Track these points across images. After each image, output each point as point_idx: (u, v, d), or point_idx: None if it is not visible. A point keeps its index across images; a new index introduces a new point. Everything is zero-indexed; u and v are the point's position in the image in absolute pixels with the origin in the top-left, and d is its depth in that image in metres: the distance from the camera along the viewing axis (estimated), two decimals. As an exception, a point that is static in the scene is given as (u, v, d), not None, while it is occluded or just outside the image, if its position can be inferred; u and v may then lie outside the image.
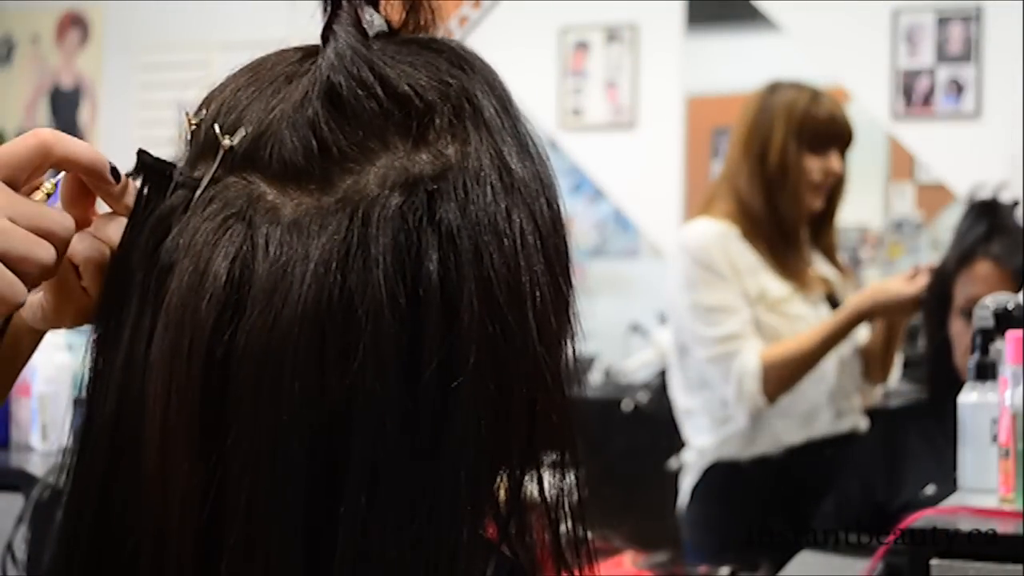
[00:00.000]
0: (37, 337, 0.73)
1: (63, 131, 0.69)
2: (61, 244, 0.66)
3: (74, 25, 5.24)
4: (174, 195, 0.66)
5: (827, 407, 2.52)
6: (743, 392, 2.39)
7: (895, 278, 2.53)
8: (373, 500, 0.61)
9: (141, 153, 0.68)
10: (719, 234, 2.46)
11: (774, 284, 2.48)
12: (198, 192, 0.65)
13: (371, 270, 0.62)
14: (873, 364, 2.58)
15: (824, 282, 2.56)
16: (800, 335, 2.42)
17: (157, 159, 0.67)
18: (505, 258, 0.64)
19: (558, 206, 0.70)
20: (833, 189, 2.55)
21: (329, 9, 0.67)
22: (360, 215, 0.63)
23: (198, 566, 0.62)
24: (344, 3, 0.67)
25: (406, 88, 0.66)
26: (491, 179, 0.65)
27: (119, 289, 0.66)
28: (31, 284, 0.65)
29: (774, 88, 2.54)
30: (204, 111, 0.68)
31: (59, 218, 0.66)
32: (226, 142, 0.65)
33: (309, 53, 0.69)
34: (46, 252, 0.65)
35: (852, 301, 2.47)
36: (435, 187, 0.64)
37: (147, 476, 0.63)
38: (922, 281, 2.38)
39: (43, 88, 5.27)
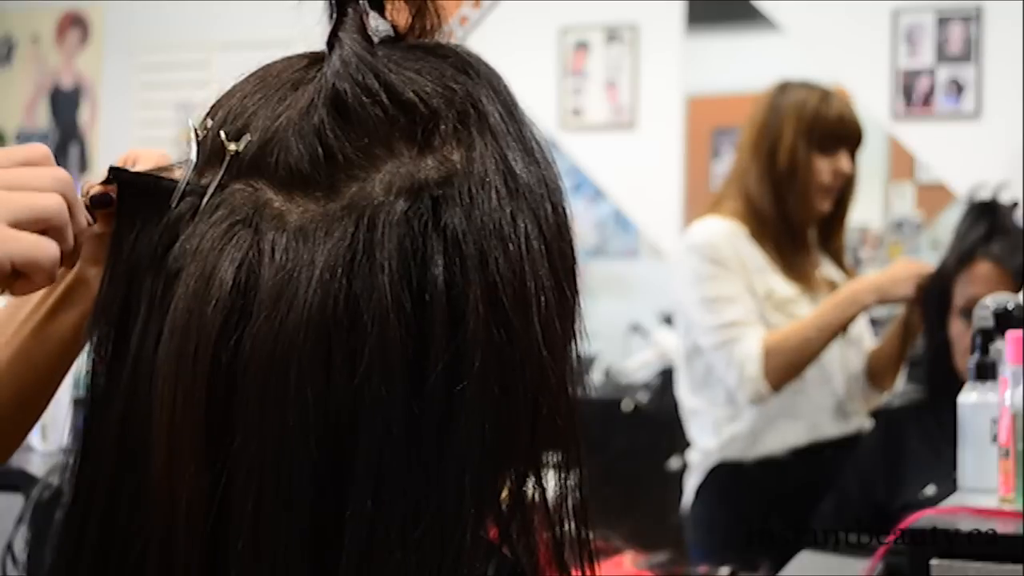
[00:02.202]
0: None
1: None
2: (59, 236, 0.68)
3: (74, 25, 5.24)
4: (182, 202, 0.66)
5: (833, 408, 2.52)
6: (744, 377, 2.38)
7: (896, 265, 2.53)
8: (379, 503, 0.61)
9: (113, 169, 0.68)
10: (727, 231, 2.47)
11: (781, 285, 2.47)
12: (205, 199, 0.65)
13: (376, 276, 0.62)
14: (881, 372, 2.57)
15: (830, 285, 2.55)
16: (801, 321, 2.42)
17: (134, 174, 0.68)
18: (510, 263, 0.64)
19: (563, 210, 0.70)
20: (843, 191, 2.55)
21: (334, 15, 0.68)
22: (366, 221, 0.63)
23: (205, 570, 0.62)
24: (349, 9, 0.67)
25: (411, 95, 0.66)
26: (496, 184, 0.66)
27: (125, 294, 0.66)
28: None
29: (784, 88, 2.54)
30: (210, 119, 0.69)
31: (57, 210, 0.68)
32: (232, 148, 0.66)
33: (315, 60, 0.69)
34: (51, 251, 0.67)
35: (851, 285, 2.46)
36: (440, 193, 0.64)
37: (154, 481, 0.63)
38: (920, 266, 2.39)
39: (43, 88, 5.27)
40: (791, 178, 2.47)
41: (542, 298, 0.65)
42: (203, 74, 4.75)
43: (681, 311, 2.59)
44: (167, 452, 0.62)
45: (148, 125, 4.92)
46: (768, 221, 2.48)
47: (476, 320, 0.63)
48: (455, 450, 0.63)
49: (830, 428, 2.52)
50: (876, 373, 2.57)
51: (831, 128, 2.49)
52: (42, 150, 0.70)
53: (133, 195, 0.68)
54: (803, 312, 2.47)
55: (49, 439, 2.40)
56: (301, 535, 0.62)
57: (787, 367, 2.39)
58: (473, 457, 0.63)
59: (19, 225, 0.66)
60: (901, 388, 2.83)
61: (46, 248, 0.67)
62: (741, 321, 2.41)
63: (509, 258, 0.64)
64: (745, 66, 4.50)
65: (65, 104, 5.23)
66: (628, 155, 4.61)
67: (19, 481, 2.20)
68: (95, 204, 0.69)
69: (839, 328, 2.41)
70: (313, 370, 0.61)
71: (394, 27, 0.71)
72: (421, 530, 0.62)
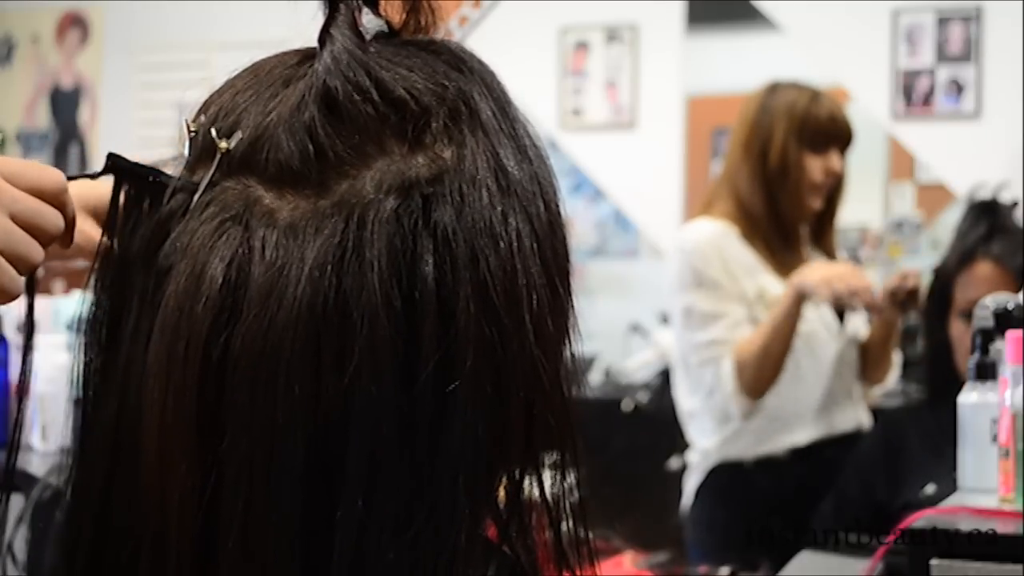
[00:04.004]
0: None
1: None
2: (49, 242, 0.70)
3: (74, 25, 5.24)
4: (173, 199, 0.66)
5: (831, 406, 2.52)
6: (727, 395, 2.42)
7: (835, 268, 2.49)
8: (370, 503, 0.61)
9: (112, 156, 0.68)
10: (717, 235, 2.47)
11: (773, 284, 2.48)
12: (196, 195, 0.65)
13: (366, 273, 0.61)
14: (869, 364, 2.58)
15: (825, 283, 2.56)
16: (758, 327, 2.42)
17: (133, 164, 0.68)
18: (501, 261, 0.64)
19: (556, 207, 0.69)
20: (833, 190, 2.56)
21: (327, 11, 0.67)
22: (355, 218, 0.62)
23: (197, 568, 0.62)
24: (342, 5, 0.67)
25: (402, 92, 0.66)
26: (487, 182, 0.65)
27: (118, 292, 0.66)
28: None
29: (774, 88, 2.55)
30: (203, 115, 0.68)
31: (53, 218, 0.70)
32: (223, 145, 0.65)
33: (307, 56, 0.69)
34: (37, 253, 0.69)
35: (792, 279, 2.44)
36: (431, 190, 0.64)
37: (145, 480, 0.63)
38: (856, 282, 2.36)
39: (43, 88, 5.27)
40: (783, 177, 2.48)
41: (534, 296, 0.65)
42: (203, 74, 4.75)
43: (673, 314, 2.60)
44: (158, 451, 0.62)
45: (148, 125, 4.92)
46: (759, 221, 2.49)
47: (467, 319, 0.62)
48: (447, 450, 0.62)
49: (829, 426, 2.52)
50: (865, 366, 2.58)
51: (822, 127, 2.50)
52: (58, 183, 0.70)
53: (130, 186, 0.67)
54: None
55: (49, 439, 2.40)
56: (291, 535, 0.61)
57: (758, 376, 2.40)
58: (466, 457, 0.62)
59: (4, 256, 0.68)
60: (901, 388, 2.83)
61: (13, 282, 0.68)
62: (723, 340, 2.43)
63: (500, 256, 0.64)
64: (745, 66, 4.49)
65: (65, 104, 5.23)
66: (628, 155, 4.61)
67: (19, 481, 2.20)
68: None
69: (790, 325, 2.39)
70: (302, 368, 0.61)
71: (388, 23, 0.70)
72: (414, 531, 0.61)
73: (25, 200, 0.68)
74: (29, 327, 0.71)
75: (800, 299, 2.39)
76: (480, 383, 0.63)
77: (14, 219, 0.67)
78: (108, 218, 0.67)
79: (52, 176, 0.70)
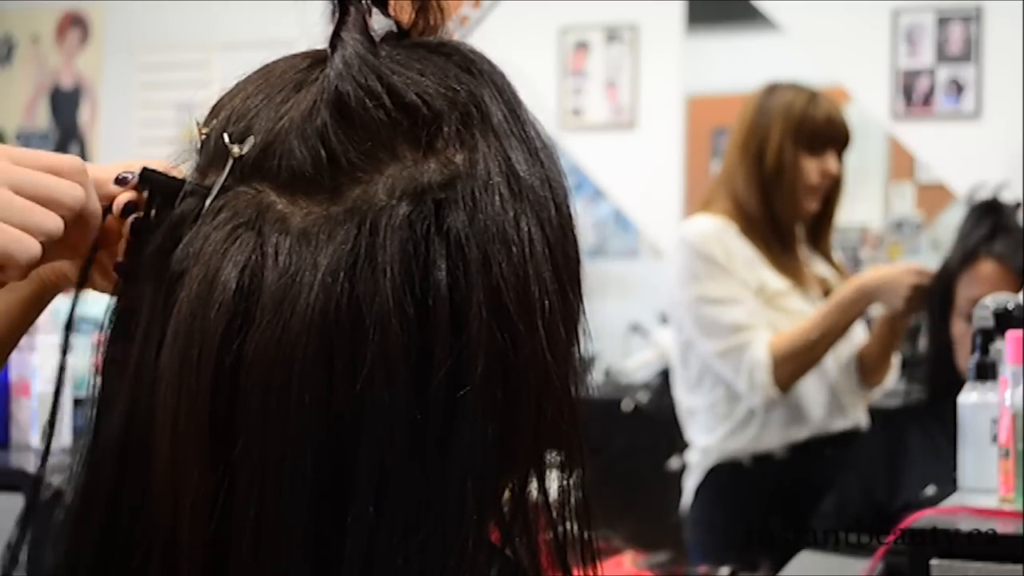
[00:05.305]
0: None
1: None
2: (69, 212, 0.67)
3: (74, 25, 5.24)
4: (184, 203, 0.66)
5: (829, 402, 2.52)
6: (755, 384, 2.39)
7: (898, 269, 2.52)
8: (381, 509, 0.61)
9: (147, 171, 0.68)
10: (717, 228, 2.47)
11: (772, 278, 2.48)
12: (208, 201, 0.65)
13: (379, 279, 0.61)
14: (869, 368, 2.57)
15: (822, 282, 2.56)
16: (805, 322, 2.42)
17: (167, 177, 0.68)
18: (514, 267, 0.64)
19: (567, 209, 0.69)
20: (831, 191, 2.55)
21: (336, 15, 0.67)
22: (368, 224, 0.62)
23: (208, 573, 0.62)
24: (352, 8, 0.67)
25: (414, 97, 0.66)
26: (499, 187, 0.65)
27: (127, 294, 0.66)
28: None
29: (772, 89, 2.54)
30: (214, 119, 0.68)
31: (68, 188, 0.67)
32: (235, 151, 0.65)
33: (317, 60, 0.68)
34: (51, 221, 0.66)
35: (853, 281, 2.46)
36: (443, 196, 0.64)
37: (157, 485, 0.63)
38: (924, 276, 2.38)
39: (43, 88, 5.27)
40: (778, 178, 2.47)
41: (546, 302, 0.65)
42: (203, 74, 4.75)
43: (675, 308, 2.59)
44: (170, 456, 0.62)
45: (148, 125, 4.92)
46: (756, 221, 2.49)
47: (479, 324, 0.62)
48: (458, 455, 0.62)
49: (827, 423, 2.52)
50: (865, 370, 2.58)
51: (819, 129, 2.50)
52: (76, 164, 0.69)
53: (161, 198, 0.67)
54: (794, 306, 2.47)
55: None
56: (303, 540, 0.61)
57: (795, 372, 2.40)
58: (476, 462, 0.63)
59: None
60: (901, 388, 2.83)
61: (28, 246, 0.66)
62: (747, 325, 2.41)
63: (513, 262, 0.64)
64: (745, 66, 4.50)
65: (65, 104, 5.23)
66: (628, 155, 4.61)
67: (19, 481, 2.20)
68: (125, 213, 0.69)
69: (844, 330, 2.41)
70: (315, 374, 0.61)
71: (397, 24, 0.70)
72: (423, 536, 0.62)
73: (30, 174, 0.67)
74: (68, 329, 0.71)
75: (863, 301, 2.41)
76: (491, 388, 0.63)
77: (19, 192, 0.66)
78: (138, 232, 0.67)
79: (68, 158, 0.69)
